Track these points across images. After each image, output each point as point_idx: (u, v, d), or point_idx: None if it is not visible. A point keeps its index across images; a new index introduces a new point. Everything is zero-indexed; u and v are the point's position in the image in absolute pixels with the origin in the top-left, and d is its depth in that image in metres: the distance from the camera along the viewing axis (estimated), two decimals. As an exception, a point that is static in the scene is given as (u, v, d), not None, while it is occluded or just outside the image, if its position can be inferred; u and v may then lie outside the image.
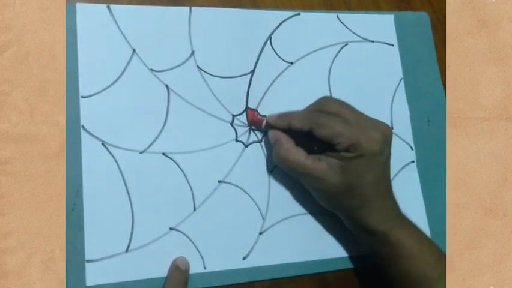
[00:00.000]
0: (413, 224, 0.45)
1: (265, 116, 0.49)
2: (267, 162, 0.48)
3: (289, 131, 0.45)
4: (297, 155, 0.44)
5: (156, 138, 0.45)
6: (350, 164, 0.42)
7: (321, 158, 0.43)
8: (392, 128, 0.52)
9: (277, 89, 0.50)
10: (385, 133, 0.44)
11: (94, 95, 0.44)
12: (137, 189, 0.44)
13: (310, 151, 0.44)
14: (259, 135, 0.48)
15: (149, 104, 0.46)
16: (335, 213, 0.46)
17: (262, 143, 0.48)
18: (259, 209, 0.47)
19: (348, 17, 0.54)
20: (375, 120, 0.45)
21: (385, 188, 0.45)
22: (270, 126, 0.46)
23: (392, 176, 0.50)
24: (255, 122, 0.48)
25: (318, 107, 0.45)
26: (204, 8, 0.49)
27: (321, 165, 0.43)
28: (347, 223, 0.46)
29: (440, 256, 0.44)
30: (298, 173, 0.44)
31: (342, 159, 0.42)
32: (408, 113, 0.53)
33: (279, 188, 0.48)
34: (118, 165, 0.44)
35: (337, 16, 0.53)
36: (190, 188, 0.45)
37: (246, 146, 0.47)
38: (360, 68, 0.53)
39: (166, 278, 0.43)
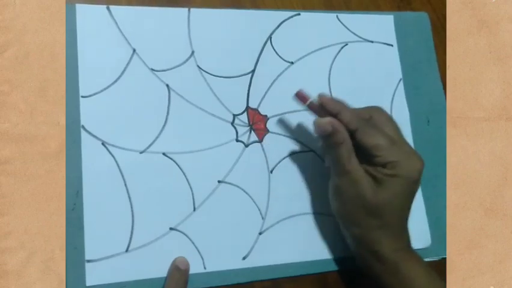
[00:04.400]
0: (423, 260, 0.44)
1: (266, 115, 0.49)
2: (267, 162, 0.48)
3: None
4: (348, 148, 0.42)
5: (156, 138, 0.45)
6: (383, 181, 0.41)
7: (363, 165, 0.42)
8: (392, 128, 0.52)
9: (278, 88, 0.50)
10: (422, 165, 0.43)
11: (94, 95, 0.44)
12: (137, 189, 0.44)
13: None
14: (260, 136, 0.48)
15: (149, 104, 0.46)
16: (347, 231, 0.44)
17: (263, 143, 0.48)
18: (259, 209, 0.47)
19: (348, 17, 0.54)
20: (414, 149, 0.44)
21: (406, 217, 0.44)
22: (314, 106, 0.44)
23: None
24: (301, 95, 0.44)
25: (369, 113, 0.44)
26: (202, 9, 0.49)
27: (361, 171, 0.42)
28: (356, 246, 0.44)
29: None
30: (341, 167, 0.42)
31: (377, 174, 0.41)
32: (407, 113, 0.53)
33: (279, 188, 0.48)
34: (118, 165, 0.44)
35: (337, 16, 0.53)
36: (190, 188, 0.45)
37: (246, 146, 0.47)
38: (360, 68, 0.53)
39: (166, 278, 0.43)
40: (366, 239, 0.43)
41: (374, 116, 0.44)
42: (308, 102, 0.44)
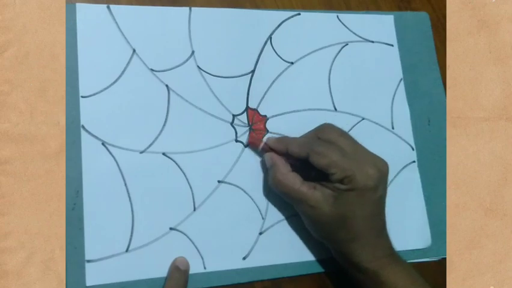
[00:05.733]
0: (405, 263, 0.44)
1: (265, 116, 0.49)
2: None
3: (287, 155, 0.45)
4: (292, 180, 0.43)
5: (156, 138, 0.45)
6: (342, 195, 0.42)
7: (316, 186, 0.43)
8: (393, 128, 0.52)
9: (278, 89, 0.50)
10: (382, 169, 0.43)
11: (94, 95, 0.44)
12: (137, 189, 0.44)
13: (307, 177, 0.44)
14: (259, 136, 0.48)
15: (149, 104, 0.46)
16: (326, 244, 0.45)
17: (262, 143, 0.48)
18: (259, 209, 0.47)
19: (348, 17, 0.54)
20: (374, 155, 0.44)
21: (378, 224, 0.44)
22: (267, 149, 0.46)
23: (392, 176, 0.51)
24: (253, 143, 0.47)
25: (318, 134, 0.45)
26: (203, 8, 0.49)
27: (315, 194, 0.42)
28: (337, 257, 0.45)
29: None
30: (292, 199, 0.44)
31: (335, 190, 0.42)
32: (408, 113, 0.53)
33: (279, 188, 0.48)
34: (118, 165, 0.44)
35: (337, 16, 0.53)
36: (190, 188, 0.45)
37: (246, 146, 0.47)
38: (360, 68, 0.53)
39: (166, 278, 0.43)
40: (343, 253, 0.44)
41: (324, 134, 0.44)
42: (260, 147, 0.46)
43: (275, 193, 0.46)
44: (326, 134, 0.44)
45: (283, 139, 0.46)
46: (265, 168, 0.46)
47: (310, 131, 0.46)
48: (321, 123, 0.46)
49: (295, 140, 0.45)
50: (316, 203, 0.42)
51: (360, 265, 0.43)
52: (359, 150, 0.44)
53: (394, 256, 0.44)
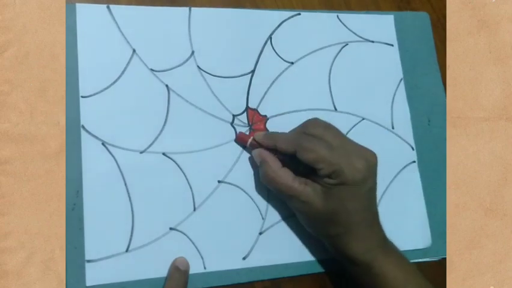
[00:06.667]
0: (399, 253, 0.44)
1: (265, 116, 0.49)
2: (267, 162, 0.48)
3: (275, 151, 0.45)
4: (284, 176, 0.43)
5: (156, 138, 0.45)
6: (332, 190, 0.42)
7: (307, 182, 0.43)
8: (393, 128, 0.52)
9: (278, 89, 0.50)
10: (370, 161, 0.43)
11: (94, 95, 0.44)
12: (137, 189, 0.44)
13: (296, 172, 0.44)
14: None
15: (149, 104, 0.46)
16: (320, 239, 0.45)
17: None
18: (259, 209, 0.47)
19: (348, 17, 0.54)
20: (361, 146, 0.44)
21: (370, 217, 0.44)
22: (255, 145, 0.46)
23: (392, 176, 0.51)
24: (241, 139, 0.47)
25: (304, 129, 0.44)
26: (203, 8, 0.49)
27: (306, 189, 0.42)
28: (331, 251, 0.45)
29: (426, 286, 0.43)
30: (285, 195, 0.44)
31: (324, 185, 0.42)
32: (408, 113, 0.53)
33: (279, 188, 0.48)
34: (118, 165, 0.44)
35: (337, 16, 0.53)
36: (190, 188, 0.45)
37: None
38: (360, 68, 0.53)
39: (166, 278, 0.43)
40: (336, 246, 0.44)
41: (310, 129, 0.44)
42: (248, 143, 0.46)
43: (275, 193, 0.46)
44: (311, 129, 0.44)
45: (271, 135, 0.46)
46: (255, 165, 0.46)
47: (297, 127, 0.46)
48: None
49: (283, 136, 0.45)
50: (307, 198, 0.42)
51: (354, 257, 0.43)
52: (345, 143, 0.43)
53: (387, 247, 0.44)
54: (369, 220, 0.43)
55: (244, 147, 0.47)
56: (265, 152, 0.45)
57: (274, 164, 0.44)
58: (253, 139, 0.46)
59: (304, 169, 0.43)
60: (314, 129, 0.44)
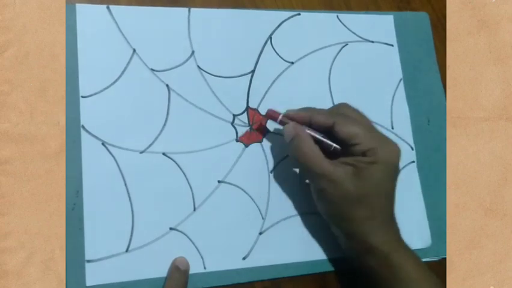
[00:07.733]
0: (412, 250, 0.44)
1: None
2: (267, 162, 0.48)
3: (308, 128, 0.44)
4: (318, 153, 0.42)
5: (156, 138, 0.45)
6: (365, 170, 0.41)
7: (336, 163, 0.42)
8: (392, 127, 0.52)
9: (278, 88, 0.50)
10: (399, 150, 0.44)
11: (94, 95, 0.44)
12: (137, 189, 0.44)
13: (324, 152, 0.43)
14: (259, 136, 0.48)
15: (149, 104, 0.46)
16: (338, 229, 0.44)
17: (263, 143, 0.48)
18: (259, 209, 0.47)
19: (348, 17, 0.54)
20: (390, 138, 0.44)
21: (392, 205, 0.44)
22: (285, 121, 0.45)
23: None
24: (270, 116, 0.46)
25: (338, 110, 0.45)
26: (202, 9, 0.49)
27: (338, 169, 0.42)
28: (348, 242, 0.44)
29: (436, 283, 0.42)
30: (313, 173, 0.43)
31: (358, 164, 0.41)
32: (408, 113, 0.53)
33: (279, 188, 0.48)
34: (118, 165, 0.44)
35: (337, 16, 0.53)
36: (190, 188, 0.45)
37: (247, 146, 0.47)
38: (360, 68, 0.53)
39: (166, 278, 0.43)
40: (357, 233, 0.43)
41: (344, 111, 0.45)
42: (279, 119, 0.45)
43: (275, 193, 0.46)
44: (345, 111, 0.44)
45: (308, 108, 0.45)
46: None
47: (329, 108, 0.46)
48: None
49: (320, 110, 0.45)
50: (338, 178, 0.41)
51: (373, 246, 0.42)
52: (377, 130, 0.44)
53: (403, 241, 0.44)
54: (391, 210, 0.44)
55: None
56: (300, 126, 0.44)
57: (308, 140, 0.43)
58: (286, 114, 0.45)
59: (335, 149, 0.43)
60: (349, 111, 0.44)
